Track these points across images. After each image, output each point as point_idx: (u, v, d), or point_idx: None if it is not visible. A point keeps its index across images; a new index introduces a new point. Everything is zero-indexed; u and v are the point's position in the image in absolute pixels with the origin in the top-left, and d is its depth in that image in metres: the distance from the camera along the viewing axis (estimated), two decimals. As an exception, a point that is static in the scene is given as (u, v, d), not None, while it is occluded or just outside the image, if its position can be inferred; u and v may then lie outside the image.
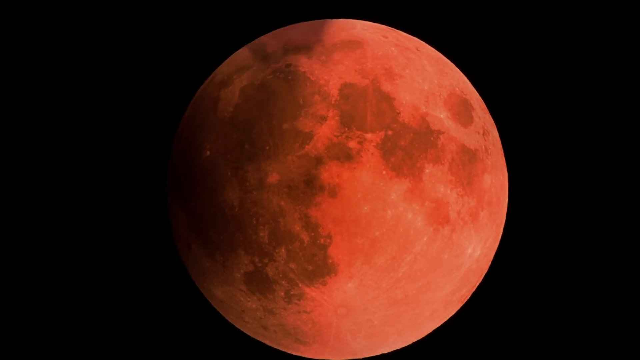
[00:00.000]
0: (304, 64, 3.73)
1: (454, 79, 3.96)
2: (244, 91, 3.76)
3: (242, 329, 4.22)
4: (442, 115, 3.72)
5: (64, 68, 4.87)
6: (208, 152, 3.77)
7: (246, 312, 3.95)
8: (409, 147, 3.57)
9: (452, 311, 4.15)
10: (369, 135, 3.54)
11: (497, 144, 4.07)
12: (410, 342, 4.22)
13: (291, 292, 3.70)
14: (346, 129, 3.54)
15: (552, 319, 4.87)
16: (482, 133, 3.90)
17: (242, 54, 4.04)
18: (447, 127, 3.71)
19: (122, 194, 4.86)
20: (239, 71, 3.88)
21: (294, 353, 4.21)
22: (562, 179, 4.92)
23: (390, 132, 3.56)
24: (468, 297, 4.15)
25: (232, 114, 3.74)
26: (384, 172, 3.52)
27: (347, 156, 3.51)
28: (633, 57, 4.91)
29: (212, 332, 4.69)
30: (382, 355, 4.26)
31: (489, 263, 4.14)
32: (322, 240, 3.55)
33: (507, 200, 4.16)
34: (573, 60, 4.97)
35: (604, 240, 4.89)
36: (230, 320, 4.22)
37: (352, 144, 3.52)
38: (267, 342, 4.20)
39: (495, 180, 3.93)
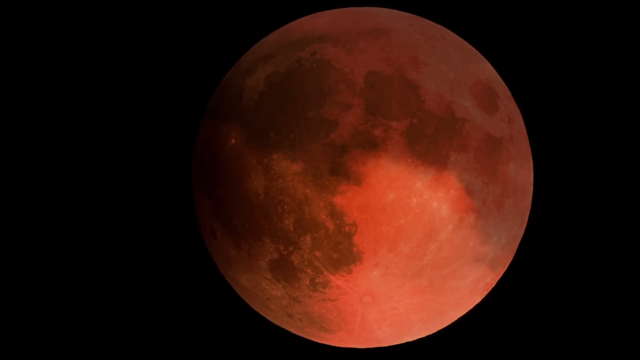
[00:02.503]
0: (329, 52, 3.72)
1: (479, 67, 3.95)
2: (269, 79, 3.76)
3: (267, 317, 4.23)
4: (467, 103, 3.71)
5: (90, 59, 4.92)
6: (233, 141, 3.77)
7: (271, 300, 3.97)
8: (434, 135, 3.56)
9: (477, 299, 4.15)
10: (394, 124, 3.53)
11: (523, 132, 4.05)
12: (435, 330, 4.22)
13: (316, 280, 3.71)
14: (371, 117, 3.53)
15: (577, 307, 4.86)
16: (508, 121, 3.88)
17: (268, 42, 4.05)
18: (472, 115, 3.70)
19: (147, 183, 4.90)
20: (264, 59, 3.88)
21: (319, 341, 4.22)
22: (587, 167, 4.90)
23: (415, 120, 3.55)
24: (493, 285, 4.14)
25: (257, 102, 3.74)
26: (409, 160, 3.51)
27: (372, 144, 3.50)
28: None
29: (238, 320, 4.73)
30: (407, 343, 4.27)
31: (514, 251, 4.13)
32: (347, 229, 3.55)
33: (532, 188, 4.14)
34: (599, 48, 4.95)
35: (631, 228, 4.87)
36: (255, 309, 4.24)
37: (377, 132, 3.51)
38: (292, 330, 4.22)
39: (521, 169, 3.92)
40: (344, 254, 3.59)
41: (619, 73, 4.93)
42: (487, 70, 4.00)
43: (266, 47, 3.99)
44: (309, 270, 3.68)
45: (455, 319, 4.19)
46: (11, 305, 4.76)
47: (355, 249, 3.58)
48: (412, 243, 3.58)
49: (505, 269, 4.14)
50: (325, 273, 3.66)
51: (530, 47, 4.95)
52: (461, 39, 4.12)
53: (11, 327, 4.75)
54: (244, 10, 4.94)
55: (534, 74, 4.93)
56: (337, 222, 3.54)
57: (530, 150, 4.11)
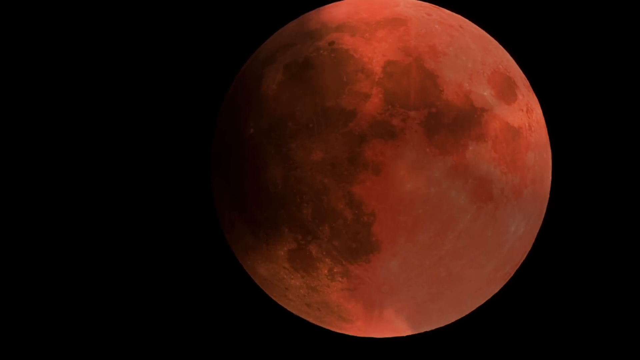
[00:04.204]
0: (347, 41, 3.72)
1: (498, 57, 3.93)
2: (288, 68, 3.76)
3: (285, 307, 4.24)
4: (485, 93, 3.70)
5: (107, 47, 4.94)
6: (252, 130, 3.78)
7: (290, 290, 3.97)
8: (452, 124, 3.56)
9: (495, 289, 4.14)
10: (412, 113, 3.53)
11: (541, 122, 4.04)
12: (453, 320, 4.22)
13: (334, 270, 3.71)
14: (390, 106, 3.53)
15: (595, 297, 4.85)
16: (526, 110, 3.87)
17: (286, 31, 4.05)
18: (490, 104, 3.69)
19: (165, 172, 4.91)
20: (282, 48, 3.88)
21: (337, 331, 4.22)
22: (606, 157, 4.89)
23: (433, 110, 3.55)
24: (511, 274, 4.14)
25: (275, 92, 3.74)
26: (428, 149, 3.51)
27: (390, 134, 3.50)
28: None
29: (256, 309, 4.73)
30: (425, 333, 4.27)
31: (533, 241, 4.12)
32: (365, 218, 3.55)
33: (550, 177, 4.13)
34: (618, 37, 4.92)
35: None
36: (273, 298, 4.24)
37: (396, 122, 3.51)
38: (311, 320, 4.22)
39: (539, 158, 3.91)
40: (362, 243, 3.60)
41: (638, 62, 4.91)
42: (505, 60, 3.98)
43: (285, 36, 3.99)
44: (327, 259, 3.68)
45: (473, 308, 4.19)
46: (21, 297, 4.81)
47: (373, 239, 3.58)
48: (431, 232, 3.58)
49: (524, 258, 4.14)
50: (344, 262, 3.67)
51: (549, 36, 4.95)
52: (479, 29, 4.11)
53: (24, 322, 4.80)
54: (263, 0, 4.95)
55: (552, 63, 4.92)
56: (356, 211, 3.55)
57: (548, 140, 4.10)
